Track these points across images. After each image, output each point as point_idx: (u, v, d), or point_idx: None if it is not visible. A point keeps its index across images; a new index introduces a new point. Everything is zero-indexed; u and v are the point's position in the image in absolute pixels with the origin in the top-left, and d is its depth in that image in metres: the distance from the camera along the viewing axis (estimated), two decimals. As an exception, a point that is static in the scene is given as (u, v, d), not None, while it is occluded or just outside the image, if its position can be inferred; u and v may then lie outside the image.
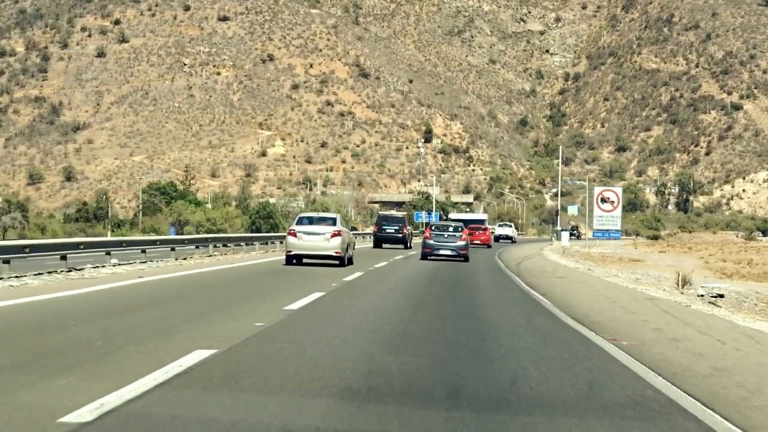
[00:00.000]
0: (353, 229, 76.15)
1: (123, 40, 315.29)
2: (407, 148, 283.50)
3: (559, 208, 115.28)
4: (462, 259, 50.54)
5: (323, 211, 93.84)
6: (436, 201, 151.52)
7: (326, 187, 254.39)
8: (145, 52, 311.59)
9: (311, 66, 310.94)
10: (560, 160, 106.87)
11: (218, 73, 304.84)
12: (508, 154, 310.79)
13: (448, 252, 50.60)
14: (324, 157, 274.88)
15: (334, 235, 39.63)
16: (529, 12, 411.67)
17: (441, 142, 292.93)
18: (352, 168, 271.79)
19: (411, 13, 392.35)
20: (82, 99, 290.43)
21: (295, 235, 39.87)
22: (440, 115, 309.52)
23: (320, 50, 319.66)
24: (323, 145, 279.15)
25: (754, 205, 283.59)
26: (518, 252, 75.62)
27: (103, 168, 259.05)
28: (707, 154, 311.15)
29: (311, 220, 41.40)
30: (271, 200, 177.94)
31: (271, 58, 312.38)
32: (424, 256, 50.81)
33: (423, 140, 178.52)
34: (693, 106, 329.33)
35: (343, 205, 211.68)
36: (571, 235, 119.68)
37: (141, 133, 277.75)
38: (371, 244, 79.17)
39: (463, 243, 51.05)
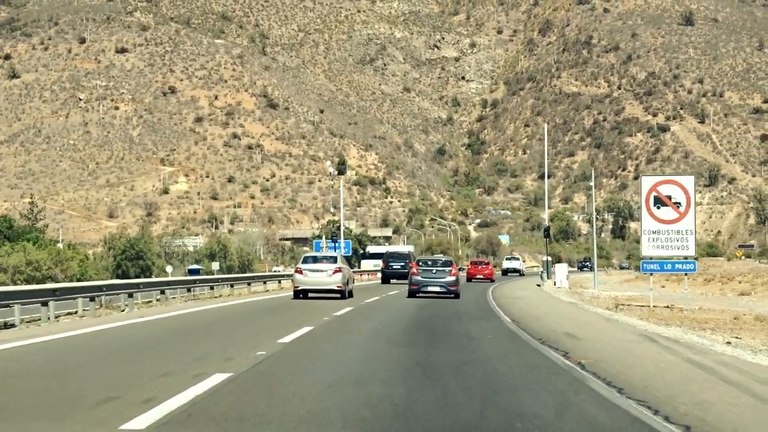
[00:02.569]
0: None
1: (14, 75, 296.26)
2: (320, 181, 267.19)
3: (548, 227, 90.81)
4: (452, 296, 47.25)
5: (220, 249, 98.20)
6: (350, 231, 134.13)
7: (234, 225, 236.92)
8: (37, 88, 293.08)
9: (216, 98, 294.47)
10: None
11: (116, 108, 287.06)
12: (427, 184, 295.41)
13: (437, 288, 47.33)
14: (231, 192, 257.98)
15: (335, 272, 44.51)
16: (443, 38, 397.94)
17: (356, 174, 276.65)
18: (262, 203, 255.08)
19: (320, 42, 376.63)
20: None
21: (301, 273, 44.84)
22: (354, 145, 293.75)
23: (225, 81, 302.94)
24: (230, 180, 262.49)
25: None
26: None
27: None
28: (636, 178, 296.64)
29: (315, 259, 46.58)
30: (167, 238, 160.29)
31: (172, 90, 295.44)
32: (412, 294, 47.68)
33: (330, 164, 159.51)
34: (618, 129, 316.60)
35: (251, 243, 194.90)
36: (582, 267, 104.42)
37: (33, 173, 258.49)
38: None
39: (452, 278, 47.56)
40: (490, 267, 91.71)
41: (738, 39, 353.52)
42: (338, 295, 44.49)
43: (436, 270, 47.85)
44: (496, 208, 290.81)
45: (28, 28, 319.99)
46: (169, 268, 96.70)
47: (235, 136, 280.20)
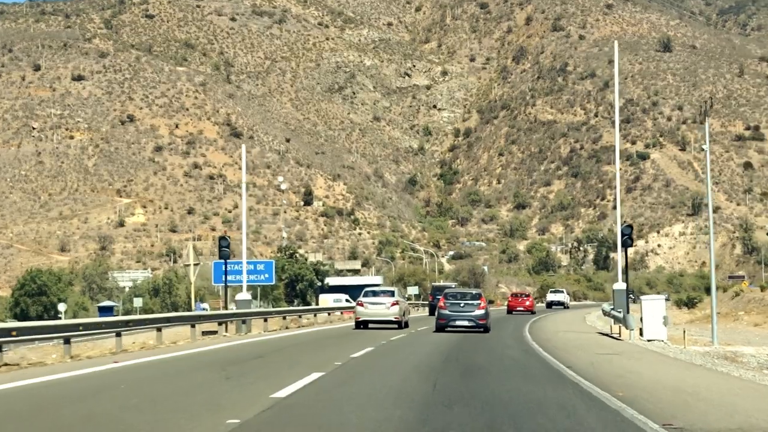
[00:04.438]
0: None
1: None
2: (285, 212, 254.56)
3: (629, 226, 44.89)
4: (482, 330, 45.98)
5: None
6: (292, 254, 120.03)
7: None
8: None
9: (177, 126, 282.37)
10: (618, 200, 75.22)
11: (71, 137, 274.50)
12: (397, 215, 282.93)
13: (466, 323, 45.99)
14: (191, 224, 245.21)
15: (393, 305, 49.56)
16: (414, 66, 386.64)
17: (323, 205, 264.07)
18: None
19: (287, 69, 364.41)
20: None
21: (362, 305, 49.87)
22: (321, 175, 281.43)
23: (187, 109, 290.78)
24: (190, 211, 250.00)
25: (672, 261, 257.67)
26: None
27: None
28: (615, 207, 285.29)
29: (375, 293, 51.46)
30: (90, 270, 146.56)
31: (131, 119, 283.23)
32: (440, 328, 46.68)
33: (282, 180, 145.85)
34: (595, 158, 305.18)
35: (210, 277, 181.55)
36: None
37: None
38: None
39: (481, 312, 46.13)
40: (530, 299, 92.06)
41: (717, 65, 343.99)
42: (396, 326, 49.34)
43: (465, 303, 46.38)
44: (470, 240, 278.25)
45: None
46: (62, 306, 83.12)
47: (196, 165, 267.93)
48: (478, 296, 47.57)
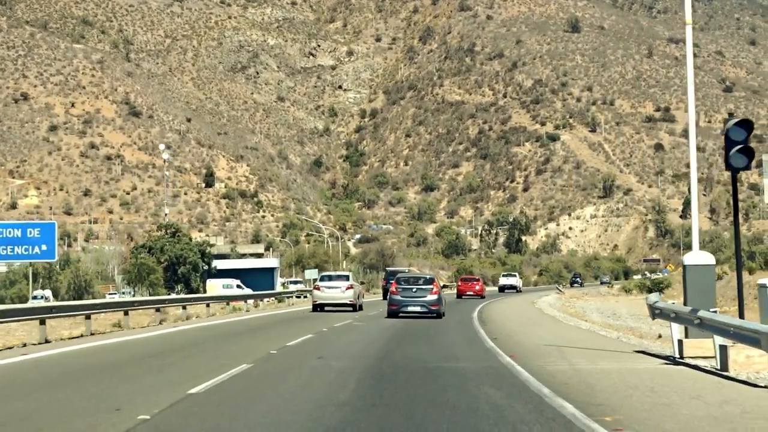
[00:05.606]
0: None
1: None
2: (185, 194, 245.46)
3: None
4: (434, 315, 43.71)
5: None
6: (191, 242, 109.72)
7: (88, 242, 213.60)
8: None
9: (73, 105, 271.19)
10: None
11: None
12: (302, 197, 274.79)
13: (418, 308, 43.76)
14: (87, 207, 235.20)
15: (348, 288, 51.96)
16: (319, 46, 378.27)
17: (225, 187, 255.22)
18: (121, 219, 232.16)
19: (188, 48, 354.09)
20: None
21: (319, 290, 52.51)
22: (224, 156, 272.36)
23: (83, 87, 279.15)
24: (86, 193, 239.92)
25: (583, 244, 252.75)
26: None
27: None
28: (525, 190, 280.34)
29: (330, 278, 54.80)
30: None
31: (25, 97, 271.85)
32: (392, 314, 44.13)
33: (164, 147, 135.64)
34: (504, 139, 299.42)
35: (105, 262, 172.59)
36: (572, 283, 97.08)
37: None
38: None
39: (434, 297, 43.93)
40: (480, 283, 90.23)
41: (626, 47, 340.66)
42: (351, 308, 51.74)
43: (417, 288, 44.68)
44: (378, 223, 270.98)
45: None
46: None
47: (93, 146, 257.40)
48: (431, 281, 46.06)
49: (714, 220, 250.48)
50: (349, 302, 51.52)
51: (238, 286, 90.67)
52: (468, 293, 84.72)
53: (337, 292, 51.55)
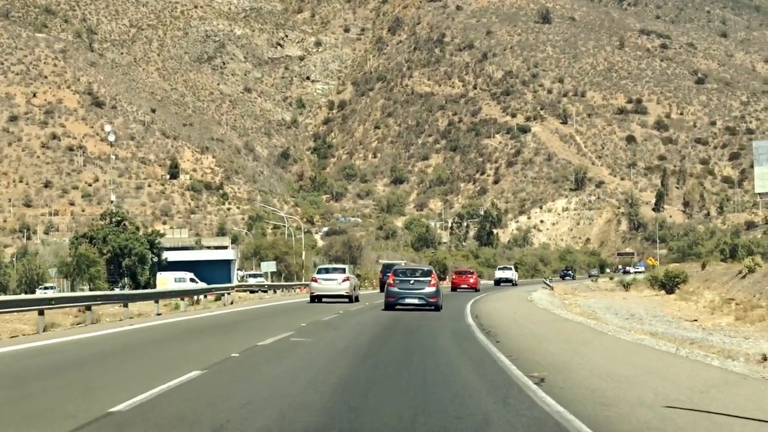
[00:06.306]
0: None
1: None
2: (149, 185, 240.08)
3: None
4: (432, 308, 42.74)
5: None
6: (138, 231, 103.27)
7: (48, 235, 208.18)
8: None
9: (34, 95, 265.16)
10: None
11: None
12: (269, 190, 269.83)
13: (415, 300, 43.05)
14: (47, 199, 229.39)
15: (344, 280, 53.33)
16: (286, 36, 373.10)
17: (190, 178, 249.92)
18: (83, 211, 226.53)
19: (154, 38, 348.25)
20: None
21: (316, 281, 53.78)
22: (189, 148, 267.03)
23: (45, 77, 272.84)
24: (47, 185, 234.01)
25: (555, 237, 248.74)
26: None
27: None
28: (496, 182, 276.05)
29: (327, 270, 56.87)
30: None
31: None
32: (389, 306, 43.44)
33: (110, 128, 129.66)
34: (474, 131, 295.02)
35: (65, 255, 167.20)
36: (563, 276, 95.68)
37: None
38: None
39: (432, 290, 43.06)
40: (475, 276, 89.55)
41: (597, 38, 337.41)
42: (347, 300, 53.03)
43: (414, 280, 44.04)
44: (346, 215, 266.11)
45: None
46: None
47: (54, 136, 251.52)
48: (428, 273, 45.27)
49: (687, 213, 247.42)
50: (345, 293, 52.99)
51: (192, 280, 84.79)
52: (462, 286, 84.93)
53: (334, 284, 53.01)
